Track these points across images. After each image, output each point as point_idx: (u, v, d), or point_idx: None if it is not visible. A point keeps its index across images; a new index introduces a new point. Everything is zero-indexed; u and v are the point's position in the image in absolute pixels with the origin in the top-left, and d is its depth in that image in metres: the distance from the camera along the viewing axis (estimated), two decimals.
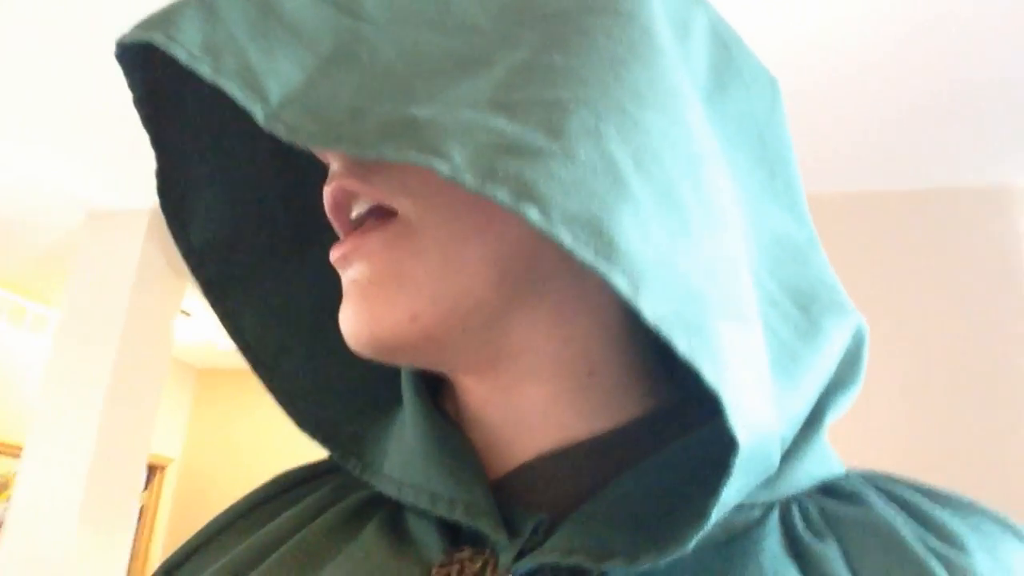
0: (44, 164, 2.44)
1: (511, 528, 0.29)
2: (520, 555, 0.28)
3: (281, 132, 0.25)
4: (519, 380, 0.32)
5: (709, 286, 0.24)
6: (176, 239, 0.37)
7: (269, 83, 0.26)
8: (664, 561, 0.26)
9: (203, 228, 0.38)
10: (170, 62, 0.28)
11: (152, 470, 4.61)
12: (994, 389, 2.00)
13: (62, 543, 2.29)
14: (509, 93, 0.25)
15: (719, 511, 0.25)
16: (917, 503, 0.30)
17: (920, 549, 0.28)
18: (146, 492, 4.58)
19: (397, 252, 0.29)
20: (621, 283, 0.22)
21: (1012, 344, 2.03)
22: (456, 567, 0.29)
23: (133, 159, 2.35)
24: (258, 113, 0.25)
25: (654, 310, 0.22)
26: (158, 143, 0.36)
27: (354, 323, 0.30)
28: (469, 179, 0.22)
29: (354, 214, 0.32)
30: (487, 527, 0.29)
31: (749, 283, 0.28)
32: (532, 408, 0.32)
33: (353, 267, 0.31)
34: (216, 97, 0.33)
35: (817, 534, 0.29)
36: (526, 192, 0.22)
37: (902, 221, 2.19)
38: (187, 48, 0.26)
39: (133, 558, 4.09)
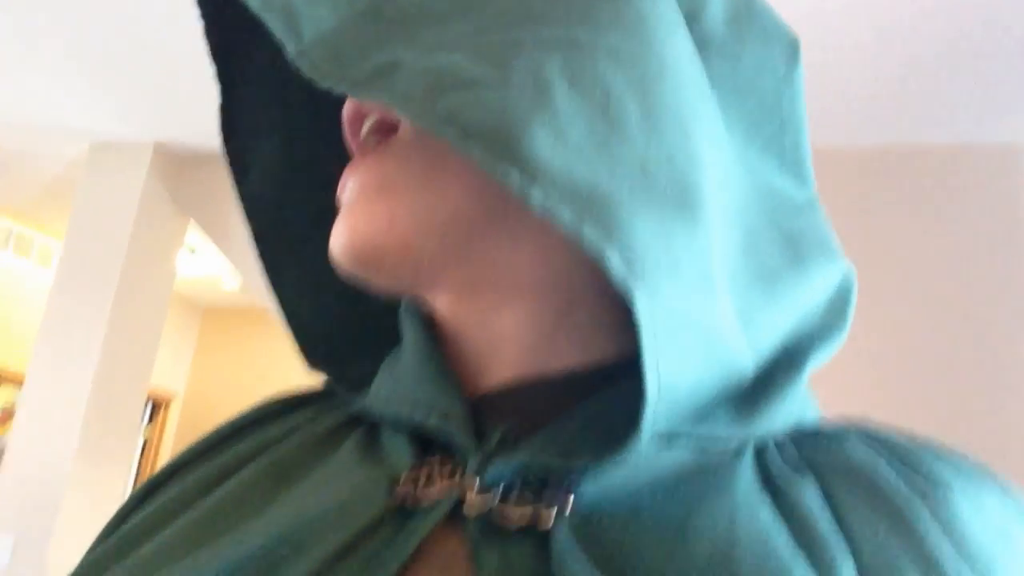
0: (45, 94, 2.40)
1: (481, 439, 0.30)
2: (488, 462, 0.29)
3: (305, 68, 0.28)
4: (497, 306, 0.32)
5: (636, 180, 0.25)
6: (236, 184, 0.41)
7: (305, 23, 0.29)
8: (635, 484, 0.27)
9: (258, 181, 0.41)
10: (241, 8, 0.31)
11: (157, 404, 4.68)
12: (994, 347, 1.99)
13: (61, 473, 2.33)
14: (482, 36, 0.27)
15: (668, 395, 0.25)
16: (899, 443, 0.31)
17: (901, 486, 0.28)
18: (150, 426, 4.65)
19: (386, 164, 0.32)
20: (513, 179, 0.23)
21: (1013, 301, 2.01)
22: (425, 471, 0.29)
23: (136, 90, 2.32)
24: (291, 47, 0.28)
25: (544, 199, 0.23)
26: (224, 85, 0.40)
27: (337, 240, 0.32)
28: (412, 115, 0.24)
29: (364, 129, 0.35)
30: (458, 434, 0.30)
31: (712, 188, 0.28)
32: (507, 333, 0.32)
33: (347, 189, 0.33)
34: (280, 56, 0.35)
35: (795, 470, 0.29)
36: (452, 118, 0.24)
37: (904, 178, 2.16)
38: None
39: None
